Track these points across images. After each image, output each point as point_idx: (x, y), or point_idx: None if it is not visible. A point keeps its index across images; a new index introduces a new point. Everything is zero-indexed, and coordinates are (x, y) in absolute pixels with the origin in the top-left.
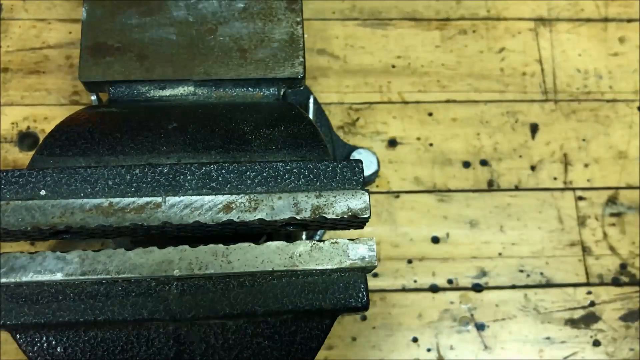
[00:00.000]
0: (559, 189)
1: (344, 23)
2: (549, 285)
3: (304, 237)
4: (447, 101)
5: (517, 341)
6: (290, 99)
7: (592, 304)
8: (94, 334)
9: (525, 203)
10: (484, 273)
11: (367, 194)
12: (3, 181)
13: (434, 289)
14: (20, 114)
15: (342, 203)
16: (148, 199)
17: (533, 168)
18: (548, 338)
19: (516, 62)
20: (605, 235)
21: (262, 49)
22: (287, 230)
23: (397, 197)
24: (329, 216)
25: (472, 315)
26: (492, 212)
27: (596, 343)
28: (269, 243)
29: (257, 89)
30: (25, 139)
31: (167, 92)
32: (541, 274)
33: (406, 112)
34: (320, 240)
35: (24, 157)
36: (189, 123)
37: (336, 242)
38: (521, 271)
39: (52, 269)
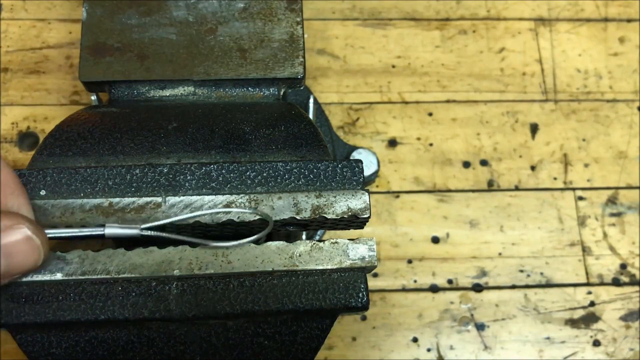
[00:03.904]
0: (559, 189)
1: (344, 23)
2: (549, 285)
3: (304, 237)
4: (447, 101)
5: (517, 341)
6: (290, 99)
7: (592, 304)
8: (94, 334)
9: (525, 203)
10: (484, 273)
11: (367, 194)
12: None
13: (434, 289)
14: (20, 114)
15: (342, 203)
16: (148, 199)
17: (533, 168)
18: (548, 338)
19: (516, 62)
20: (605, 235)
21: (262, 49)
22: (287, 230)
23: (397, 197)
24: (329, 216)
25: (472, 315)
26: (492, 212)
27: (596, 343)
28: (269, 243)
29: (257, 89)
30: (25, 139)
31: (167, 92)
32: (541, 274)
33: (406, 112)
34: (320, 240)
35: (24, 157)
36: (189, 123)
37: (336, 242)
38: (521, 271)
39: (52, 269)
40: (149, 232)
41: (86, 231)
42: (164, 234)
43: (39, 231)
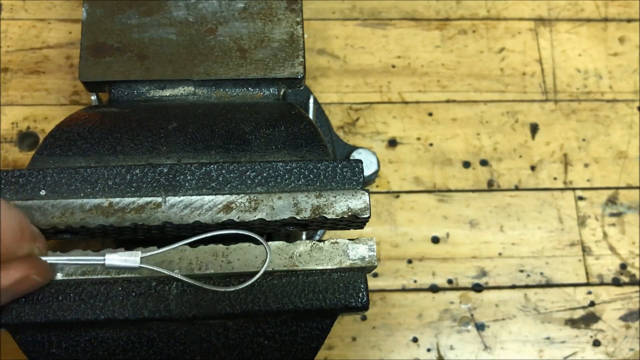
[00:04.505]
0: (559, 189)
1: (344, 23)
2: (549, 285)
3: (304, 237)
4: (447, 101)
5: (517, 341)
6: (290, 99)
7: (592, 304)
8: (95, 333)
9: (525, 203)
10: (484, 273)
11: (367, 194)
12: (3, 181)
13: (434, 289)
14: (20, 114)
15: (342, 203)
16: (148, 199)
17: (533, 168)
18: (548, 338)
19: (516, 62)
20: (605, 235)
21: (262, 49)
22: (287, 230)
23: (397, 197)
24: (329, 216)
25: (472, 315)
26: (492, 212)
27: (596, 343)
28: (269, 243)
29: (257, 89)
30: (25, 139)
31: (167, 92)
32: (541, 274)
33: (406, 112)
34: (320, 240)
35: (24, 157)
36: (189, 123)
37: (336, 242)
38: (521, 271)
39: (52, 269)
40: (147, 265)
41: (87, 259)
42: (161, 270)
43: (43, 271)
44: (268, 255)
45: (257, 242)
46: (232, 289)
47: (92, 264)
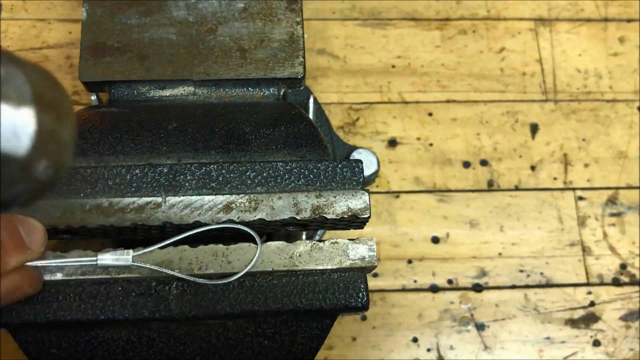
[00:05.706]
0: (559, 189)
1: (344, 23)
2: (549, 285)
3: (304, 237)
4: (447, 101)
5: (517, 341)
6: (290, 99)
7: (592, 304)
8: (95, 334)
9: (525, 203)
10: (484, 273)
11: (367, 194)
12: None
13: (434, 289)
14: None
15: (342, 203)
16: (148, 199)
17: (533, 168)
18: (548, 338)
19: (516, 62)
20: (605, 235)
21: (262, 49)
22: (287, 230)
23: (397, 197)
24: (329, 216)
25: (472, 315)
26: (492, 212)
27: (596, 343)
28: (269, 243)
29: (257, 89)
30: None
31: (167, 92)
32: (541, 274)
33: (406, 112)
34: (320, 240)
35: None
36: (189, 123)
37: (336, 242)
38: (521, 271)
39: (52, 269)
40: (140, 263)
41: (79, 260)
42: (153, 267)
43: (35, 282)
44: (259, 246)
45: (256, 242)
46: (218, 282)
47: (88, 265)
